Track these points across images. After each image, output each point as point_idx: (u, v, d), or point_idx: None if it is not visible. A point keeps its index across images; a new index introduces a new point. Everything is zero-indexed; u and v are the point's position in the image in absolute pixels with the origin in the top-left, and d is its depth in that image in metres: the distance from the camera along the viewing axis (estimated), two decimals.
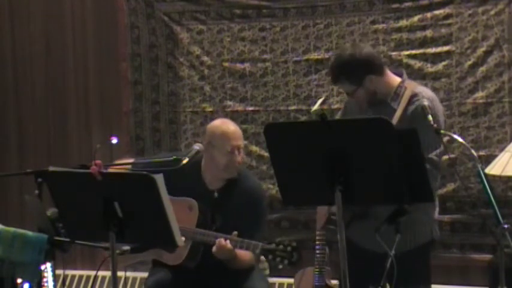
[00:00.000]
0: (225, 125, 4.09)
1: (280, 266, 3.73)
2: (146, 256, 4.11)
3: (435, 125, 3.44)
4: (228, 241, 3.81)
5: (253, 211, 4.02)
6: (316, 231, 4.55)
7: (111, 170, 3.96)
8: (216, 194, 4.09)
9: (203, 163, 4.10)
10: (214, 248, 3.84)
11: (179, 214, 3.93)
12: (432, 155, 3.58)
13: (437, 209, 3.83)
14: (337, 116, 4.30)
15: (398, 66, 4.90)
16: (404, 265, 3.27)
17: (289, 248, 3.70)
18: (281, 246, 3.71)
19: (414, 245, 3.69)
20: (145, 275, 4.37)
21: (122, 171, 4.00)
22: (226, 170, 4.03)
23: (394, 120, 3.57)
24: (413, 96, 3.67)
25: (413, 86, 3.74)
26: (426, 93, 3.70)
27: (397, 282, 3.36)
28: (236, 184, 4.08)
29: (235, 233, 3.84)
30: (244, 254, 3.94)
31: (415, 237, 3.70)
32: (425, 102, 3.54)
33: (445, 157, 3.91)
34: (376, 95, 3.70)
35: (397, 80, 3.76)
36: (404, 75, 3.80)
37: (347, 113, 3.98)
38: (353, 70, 3.66)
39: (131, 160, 4.29)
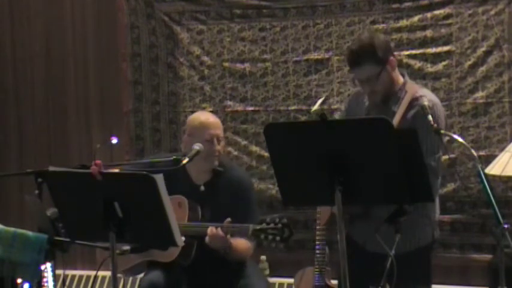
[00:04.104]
0: (203, 115, 4.18)
1: (273, 245, 3.71)
2: (139, 258, 4.10)
3: (435, 125, 3.43)
4: (219, 229, 3.82)
5: (242, 200, 4.04)
6: (317, 227, 4.55)
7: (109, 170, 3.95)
8: (202, 188, 4.11)
9: None
10: (207, 238, 3.84)
11: None
12: (430, 161, 3.55)
13: (438, 211, 3.82)
14: (337, 116, 4.25)
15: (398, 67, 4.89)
16: (405, 266, 3.26)
17: (279, 225, 3.70)
18: (271, 224, 3.71)
19: (415, 246, 3.68)
20: None
21: (122, 171, 4.00)
22: (206, 160, 4.03)
23: (394, 123, 3.53)
24: (414, 100, 3.63)
25: (414, 90, 3.69)
26: (429, 96, 3.66)
27: (398, 283, 3.35)
28: (221, 176, 4.11)
29: (229, 219, 3.85)
30: (241, 243, 3.95)
31: (416, 238, 3.68)
32: (425, 102, 3.53)
33: (445, 157, 3.89)
34: (391, 87, 3.66)
35: (401, 79, 3.74)
36: (406, 77, 3.78)
37: (349, 113, 3.94)
38: (378, 49, 3.61)
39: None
